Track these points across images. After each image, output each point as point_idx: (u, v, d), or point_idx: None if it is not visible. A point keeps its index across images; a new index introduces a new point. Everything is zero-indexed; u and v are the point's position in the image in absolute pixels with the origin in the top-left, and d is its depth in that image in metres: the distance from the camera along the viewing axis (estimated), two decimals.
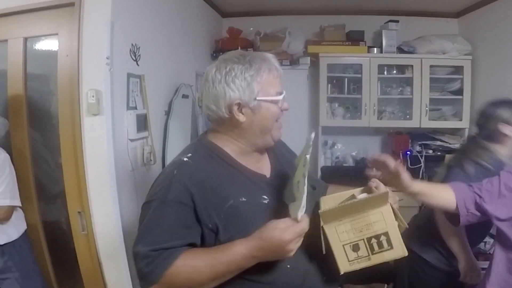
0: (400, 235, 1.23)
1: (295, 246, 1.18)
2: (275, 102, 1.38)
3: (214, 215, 1.28)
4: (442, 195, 1.71)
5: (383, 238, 1.23)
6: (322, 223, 1.28)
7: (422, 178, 4.19)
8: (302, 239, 1.21)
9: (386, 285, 3.49)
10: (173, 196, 1.27)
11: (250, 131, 1.40)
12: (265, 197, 1.38)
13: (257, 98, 1.35)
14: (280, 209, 1.37)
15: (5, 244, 2.42)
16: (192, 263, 1.22)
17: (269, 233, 1.18)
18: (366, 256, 1.25)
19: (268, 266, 1.28)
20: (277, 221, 1.19)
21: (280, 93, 1.39)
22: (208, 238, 1.30)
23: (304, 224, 1.18)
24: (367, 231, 1.23)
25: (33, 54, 2.63)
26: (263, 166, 1.50)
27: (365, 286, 3.78)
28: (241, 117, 1.36)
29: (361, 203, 1.21)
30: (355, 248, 1.25)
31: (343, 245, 1.26)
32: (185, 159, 1.37)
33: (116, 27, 2.43)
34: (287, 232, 1.16)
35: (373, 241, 1.23)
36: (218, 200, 1.29)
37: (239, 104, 1.35)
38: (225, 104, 1.35)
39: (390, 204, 1.23)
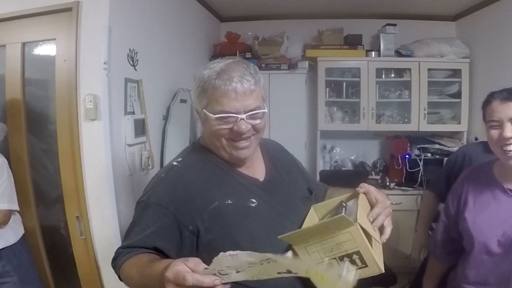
0: (372, 254, 1.18)
1: None
2: (218, 119, 1.29)
3: (197, 217, 1.27)
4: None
5: (355, 257, 1.19)
6: (292, 245, 1.25)
7: (421, 182, 4.20)
8: None
9: None
10: (155, 198, 1.30)
11: (206, 139, 1.43)
12: (253, 200, 1.36)
13: (204, 110, 1.31)
14: (269, 213, 1.37)
15: (3, 248, 2.41)
16: (131, 267, 1.21)
17: (173, 261, 1.00)
18: None
19: None
20: (194, 259, 0.99)
21: (225, 112, 1.28)
22: (188, 242, 1.29)
23: (194, 278, 0.92)
24: (338, 250, 1.19)
25: (31, 59, 2.63)
26: (257, 170, 1.49)
27: None
28: (201, 121, 1.39)
29: (322, 227, 1.16)
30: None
31: (316, 264, 1.24)
32: (175, 163, 1.39)
33: (113, 32, 2.44)
34: (172, 270, 0.96)
35: (346, 259, 1.19)
36: (202, 202, 1.29)
37: (197, 110, 1.37)
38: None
39: (359, 224, 1.17)
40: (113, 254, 1.32)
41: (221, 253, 0.91)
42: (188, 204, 1.28)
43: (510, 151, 1.57)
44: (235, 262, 0.92)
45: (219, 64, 1.30)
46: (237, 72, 1.28)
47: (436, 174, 2.72)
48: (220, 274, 0.94)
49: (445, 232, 1.84)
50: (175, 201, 1.28)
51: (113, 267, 1.32)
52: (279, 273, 0.96)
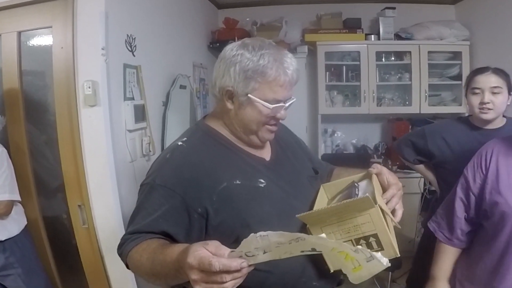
0: (390, 237, 1.17)
1: (197, 277, 0.91)
2: (267, 107, 1.30)
3: (205, 198, 1.24)
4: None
5: (372, 240, 1.18)
6: (307, 224, 1.23)
7: None
8: (212, 281, 0.90)
9: (390, 272, 3.49)
10: (161, 180, 1.26)
11: (234, 121, 1.37)
12: (262, 180, 1.34)
13: (249, 95, 1.29)
14: (278, 194, 1.35)
15: (6, 240, 2.40)
16: (140, 253, 1.17)
17: (192, 246, 0.95)
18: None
19: None
20: (214, 242, 0.95)
21: (278, 101, 1.30)
22: (197, 225, 1.26)
23: (221, 263, 0.88)
24: (355, 232, 1.18)
25: (27, 48, 2.61)
26: (263, 150, 1.47)
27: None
28: (228, 104, 1.34)
29: (342, 207, 1.15)
30: None
31: None
32: (180, 143, 1.36)
33: (110, 18, 2.41)
34: (194, 256, 0.91)
35: (362, 242, 1.19)
36: (210, 183, 1.26)
37: (230, 92, 1.32)
38: (219, 85, 1.33)
39: (379, 206, 1.17)
40: (116, 242, 1.29)
41: (252, 234, 0.87)
42: (196, 185, 1.25)
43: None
44: (264, 243, 0.88)
45: (267, 50, 1.29)
46: (292, 62, 1.31)
47: (402, 149, 2.69)
48: (247, 256, 0.91)
49: (464, 211, 1.70)
50: (182, 183, 1.25)
51: (119, 255, 1.28)
52: (302, 251, 0.94)
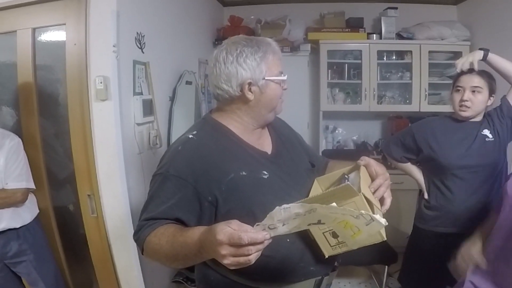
0: None
1: (226, 252, 1.01)
2: (279, 82, 1.47)
3: (215, 188, 1.35)
4: None
5: None
6: None
7: None
8: (240, 254, 1.01)
9: (387, 266, 3.55)
10: (174, 171, 1.36)
11: (256, 108, 1.48)
12: (265, 172, 1.44)
13: (265, 78, 1.43)
14: (279, 185, 1.46)
15: (20, 227, 2.48)
16: (159, 237, 1.27)
17: (217, 226, 1.05)
18: (346, 242, 1.30)
19: None
20: (235, 221, 1.05)
21: (282, 73, 1.48)
22: (208, 213, 1.37)
23: (249, 236, 0.98)
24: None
25: (41, 44, 2.69)
26: (265, 143, 1.58)
27: (367, 267, 3.86)
28: (250, 96, 1.45)
29: (328, 196, 1.23)
30: (334, 235, 1.29)
31: (323, 233, 1.31)
32: (190, 136, 1.46)
33: (121, 16, 2.50)
34: (223, 233, 1.01)
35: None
36: (219, 174, 1.36)
37: (250, 83, 1.43)
38: (237, 83, 1.42)
39: (363, 194, 1.25)
40: (124, 231, 1.38)
41: (277, 207, 0.98)
42: (206, 176, 1.35)
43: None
44: (286, 214, 0.99)
45: (255, 39, 1.47)
46: (274, 43, 1.51)
47: (390, 148, 2.70)
48: (269, 229, 1.01)
49: None
50: (194, 173, 1.35)
51: (136, 240, 1.37)
52: (309, 224, 1.05)
